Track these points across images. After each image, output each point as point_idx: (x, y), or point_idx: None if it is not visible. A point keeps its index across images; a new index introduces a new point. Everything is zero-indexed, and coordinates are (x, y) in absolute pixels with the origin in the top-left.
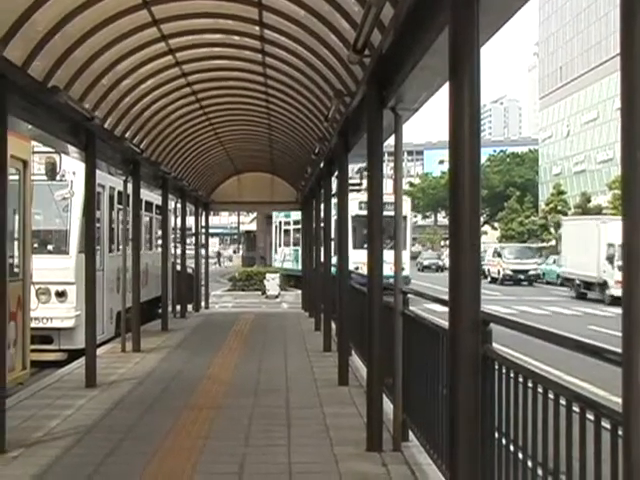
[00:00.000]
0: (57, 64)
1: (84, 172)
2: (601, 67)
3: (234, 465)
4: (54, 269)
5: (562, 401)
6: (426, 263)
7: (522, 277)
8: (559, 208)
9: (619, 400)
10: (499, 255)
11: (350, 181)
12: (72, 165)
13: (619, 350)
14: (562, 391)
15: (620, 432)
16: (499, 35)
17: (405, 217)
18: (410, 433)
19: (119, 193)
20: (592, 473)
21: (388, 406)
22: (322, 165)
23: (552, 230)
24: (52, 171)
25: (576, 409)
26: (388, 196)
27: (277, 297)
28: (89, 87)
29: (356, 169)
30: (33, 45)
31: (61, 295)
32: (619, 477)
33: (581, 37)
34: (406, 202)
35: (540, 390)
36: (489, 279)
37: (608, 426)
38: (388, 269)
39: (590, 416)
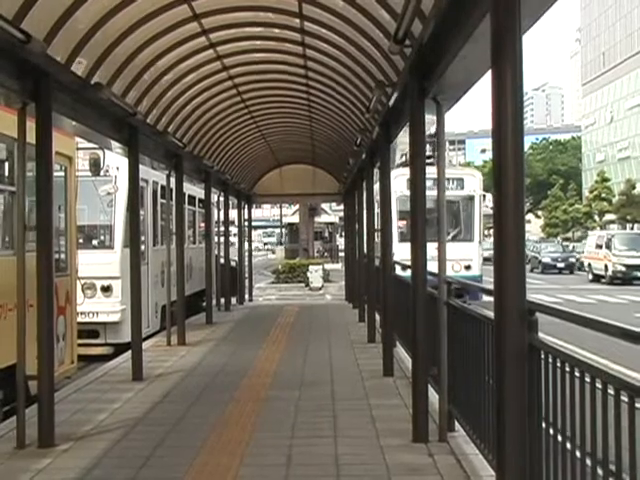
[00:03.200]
0: (99, 61)
1: (127, 167)
2: None
3: (281, 456)
4: (99, 264)
5: (610, 390)
6: (547, 260)
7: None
8: (603, 195)
9: None
10: (607, 246)
11: None
12: (115, 160)
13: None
14: (610, 380)
15: None
16: (541, 21)
17: (472, 198)
18: (456, 424)
19: (162, 187)
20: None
21: (433, 397)
22: (364, 156)
23: (596, 218)
24: (96, 167)
25: (624, 398)
26: (450, 172)
27: (320, 289)
28: (131, 83)
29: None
30: (75, 43)
31: (106, 290)
32: None
33: (624, 22)
34: (474, 178)
35: (587, 379)
36: (590, 276)
37: None
38: (450, 268)
39: (639, 405)
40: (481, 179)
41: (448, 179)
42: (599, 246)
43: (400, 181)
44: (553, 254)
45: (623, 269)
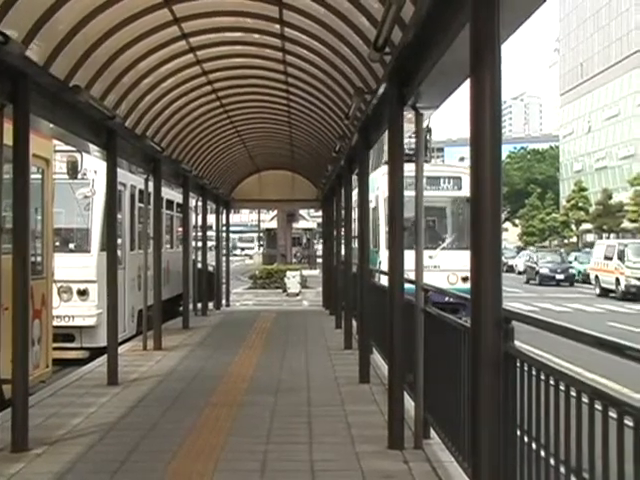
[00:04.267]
0: (78, 63)
1: (105, 171)
2: (622, 63)
3: (256, 463)
4: (76, 267)
5: (584, 398)
6: (544, 271)
7: None
8: (580, 205)
9: None
10: (619, 257)
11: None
12: (93, 164)
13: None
14: (584, 388)
15: None
16: (520, 31)
17: (468, 200)
18: (432, 431)
19: (140, 191)
20: (615, 471)
21: (409, 404)
22: (343, 163)
23: (573, 227)
24: (74, 170)
25: (598, 407)
26: (446, 169)
27: (298, 295)
28: (110, 86)
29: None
30: (55, 44)
31: (83, 293)
32: None
33: (602, 33)
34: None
35: (562, 387)
36: (597, 290)
37: (631, 424)
38: (445, 280)
39: (613, 414)
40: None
41: (443, 178)
42: (608, 257)
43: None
44: (551, 264)
45: (638, 283)
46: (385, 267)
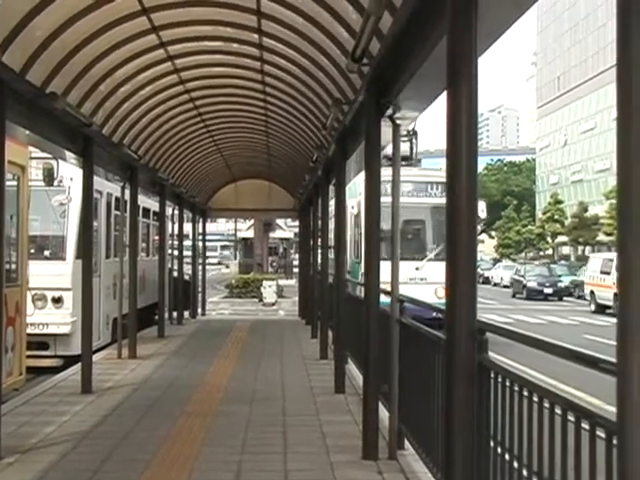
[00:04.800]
0: (55, 70)
1: (81, 178)
2: (598, 77)
3: (230, 473)
4: (51, 275)
5: (557, 410)
6: (532, 284)
7: None
8: (556, 217)
9: (614, 409)
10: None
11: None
12: (70, 171)
13: (613, 360)
14: (557, 400)
15: (615, 441)
16: (497, 44)
17: None
18: (406, 441)
19: (116, 199)
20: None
21: (384, 414)
22: (320, 173)
23: (549, 239)
24: (49, 177)
25: (571, 418)
26: (433, 174)
27: (274, 304)
28: (87, 93)
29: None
30: (32, 51)
31: (57, 301)
32: None
33: (579, 47)
34: None
35: (535, 399)
36: (593, 307)
37: (603, 435)
38: (432, 293)
39: (585, 425)
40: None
41: (431, 183)
42: (605, 272)
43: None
44: (539, 278)
45: None
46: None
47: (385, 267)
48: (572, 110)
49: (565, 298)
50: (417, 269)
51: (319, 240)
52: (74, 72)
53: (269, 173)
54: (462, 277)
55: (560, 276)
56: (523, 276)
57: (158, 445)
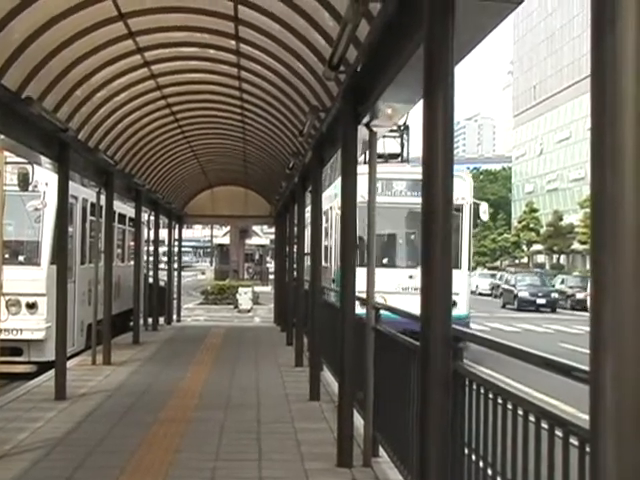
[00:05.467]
0: (31, 74)
1: (57, 183)
2: (574, 87)
3: (204, 479)
4: (25, 280)
5: (531, 417)
6: (524, 295)
7: None
8: (531, 226)
9: (587, 417)
10: None
11: (386, 150)
12: (45, 176)
13: (586, 368)
14: (531, 408)
15: (588, 449)
16: (474, 53)
17: (460, 209)
18: (380, 449)
19: (92, 205)
20: None
21: (359, 421)
22: (296, 180)
23: (524, 247)
24: (24, 182)
25: (545, 426)
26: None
27: (249, 311)
28: (64, 98)
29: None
30: (7, 55)
31: (32, 307)
32: None
33: (554, 57)
34: (463, 182)
35: (510, 407)
36: None
37: (576, 443)
38: (413, 306)
39: (559, 433)
40: (472, 184)
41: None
42: None
43: (363, 181)
44: (531, 288)
45: None
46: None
47: (378, 273)
48: (548, 119)
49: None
50: (411, 277)
51: (295, 247)
52: (50, 77)
53: (245, 180)
54: (437, 285)
55: (553, 286)
56: (514, 285)
57: (132, 452)
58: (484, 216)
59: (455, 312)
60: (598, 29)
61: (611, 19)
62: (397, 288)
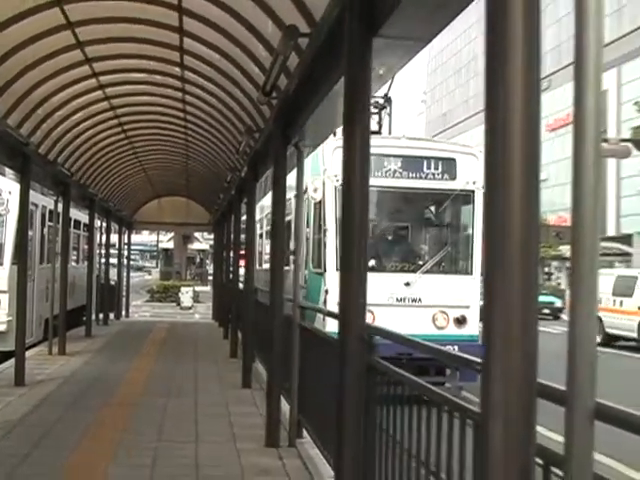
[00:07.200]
0: None
1: (19, 192)
2: (477, 116)
3: (148, 458)
4: None
5: (434, 404)
6: None
7: None
8: None
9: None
10: None
11: None
12: (8, 185)
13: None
14: (433, 396)
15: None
16: (394, 84)
17: (470, 196)
18: (304, 431)
19: (50, 212)
20: (457, 460)
21: (285, 407)
22: (233, 192)
23: None
24: None
25: (446, 411)
26: (432, 147)
27: (190, 308)
28: (26, 116)
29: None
30: None
31: None
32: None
33: (461, 89)
34: (474, 159)
35: (415, 394)
36: (598, 337)
37: (472, 424)
38: (428, 321)
39: (457, 416)
40: (478, 162)
41: (427, 159)
42: (623, 293)
43: (337, 156)
44: None
45: None
46: (334, 299)
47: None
48: (459, 142)
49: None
50: (407, 285)
51: (231, 252)
52: (15, 97)
53: (188, 191)
54: (353, 285)
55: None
56: None
57: (84, 432)
58: None
59: (463, 331)
60: (490, 69)
61: (501, 53)
62: (389, 299)
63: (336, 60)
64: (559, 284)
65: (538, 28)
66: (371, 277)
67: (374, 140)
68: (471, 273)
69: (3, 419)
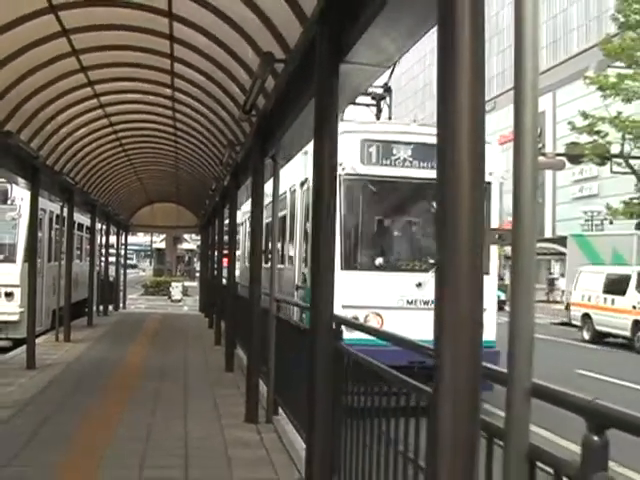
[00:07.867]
0: (11, 113)
1: (30, 199)
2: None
3: (143, 431)
4: (3, 274)
5: (393, 386)
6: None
7: None
8: None
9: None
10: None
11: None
12: (20, 193)
13: (431, 347)
14: (393, 378)
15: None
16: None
17: (488, 185)
18: (280, 409)
19: (57, 216)
20: (413, 437)
21: (263, 388)
22: (217, 199)
23: None
24: (4, 197)
25: (404, 391)
26: (432, 130)
27: (180, 301)
28: (36, 132)
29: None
30: None
31: (9, 295)
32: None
33: (419, 109)
34: (488, 147)
35: (377, 377)
36: (586, 334)
37: (425, 404)
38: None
39: (412, 396)
40: (499, 152)
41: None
42: (615, 291)
43: (351, 143)
44: None
45: None
46: (339, 299)
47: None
48: None
49: None
50: (419, 285)
51: (215, 252)
52: (26, 115)
53: (178, 197)
54: (324, 279)
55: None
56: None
57: (87, 409)
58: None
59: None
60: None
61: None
62: (399, 302)
63: (307, 83)
64: (503, 280)
65: (482, 56)
66: (379, 277)
67: (381, 126)
68: (488, 273)
69: (17, 398)
